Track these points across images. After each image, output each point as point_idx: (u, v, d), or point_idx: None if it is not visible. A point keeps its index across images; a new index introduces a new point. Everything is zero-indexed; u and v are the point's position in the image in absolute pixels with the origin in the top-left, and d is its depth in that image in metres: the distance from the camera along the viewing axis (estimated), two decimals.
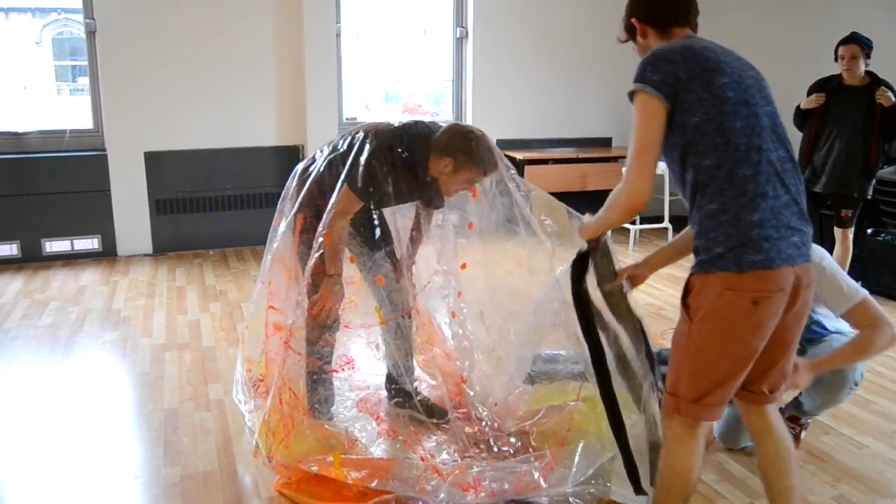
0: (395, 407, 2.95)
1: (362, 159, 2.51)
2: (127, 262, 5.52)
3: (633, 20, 2.16)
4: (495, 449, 2.69)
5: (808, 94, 4.65)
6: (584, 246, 2.32)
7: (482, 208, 2.81)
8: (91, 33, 5.40)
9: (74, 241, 5.55)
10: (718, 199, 1.84)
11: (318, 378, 2.72)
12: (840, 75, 4.54)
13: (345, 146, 2.62)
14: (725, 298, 1.82)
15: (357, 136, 2.63)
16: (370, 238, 2.68)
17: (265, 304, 2.65)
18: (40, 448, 2.79)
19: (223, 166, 5.81)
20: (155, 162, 5.63)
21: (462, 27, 6.42)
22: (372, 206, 2.61)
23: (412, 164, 2.60)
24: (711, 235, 1.84)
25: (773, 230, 1.82)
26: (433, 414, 2.91)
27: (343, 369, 2.82)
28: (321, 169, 2.64)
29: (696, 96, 1.87)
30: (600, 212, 2.15)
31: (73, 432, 2.91)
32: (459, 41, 6.47)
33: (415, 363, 3.02)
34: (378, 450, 2.70)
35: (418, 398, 2.92)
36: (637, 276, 2.48)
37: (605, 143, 7.02)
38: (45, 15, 6.67)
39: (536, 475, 2.43)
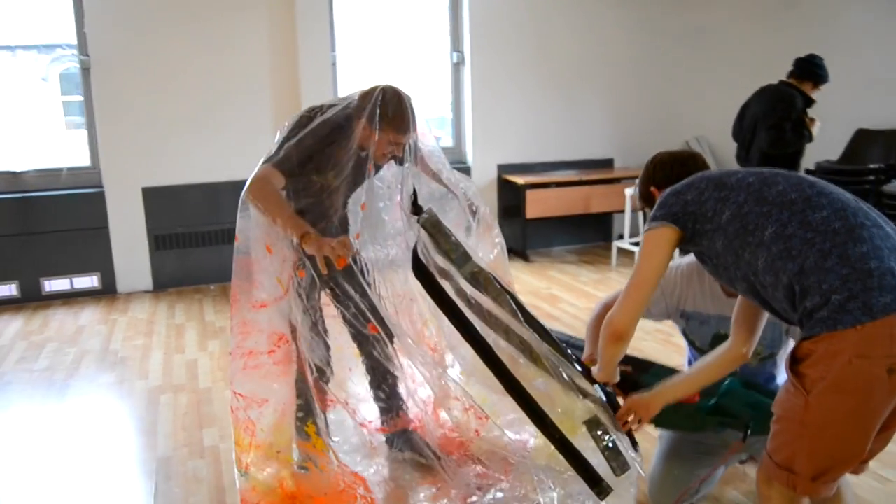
0: (395, 452, 2.85)
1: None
2: (127, 299, 5.46)
3: (651, 189, 2.15)
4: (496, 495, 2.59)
5: (785, 112, 4.72)
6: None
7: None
8: (86, 69, 5.38)
9: (74, 280, 5.50)
10: (811, 250, 1.65)
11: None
12: (800, 92, 4.76)
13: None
14: (855, 367, 1.58)
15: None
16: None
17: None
18: (27, 501, 2.71)
19: (222, 199, 5.75)
20: (153, 197, 5.58)
21: (459, 52, 6.37)
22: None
23: (327, 143, 2.49)
24: (824, 287, 1.62)
25: (893, 262, 1.61)
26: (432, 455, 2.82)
27: (279, 346, 2.56)
28: None
29: (714, 199, 1.83)
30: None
31: (63, 484, 2.83)
32: (456, 66, 6.42)
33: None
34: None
35: (414, 437, 2.84)
36: (641, 408, 2.15)
37: (608, 164, 6.94)
38: (50, 51, 6.68)
39: None
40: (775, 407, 1.78)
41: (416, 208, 2.40)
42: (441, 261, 2.26)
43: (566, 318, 4.75)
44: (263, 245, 2.47)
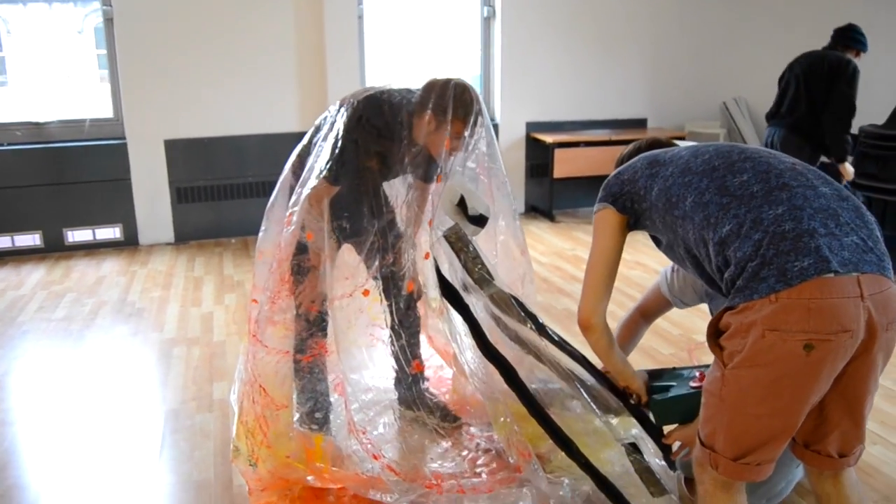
0: (404, 410, 2.78)
1: (332, 140, 2.33)
2: (148, 251, 5.45)
3: None
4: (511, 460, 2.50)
5: (841, 77, 4.58)
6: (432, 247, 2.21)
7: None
8: (109, 20, 5.30)
9: (96, 231, 5.50)
10: (726, 216, 1.56)
11: (300, 371, 2.50)
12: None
13: (326, 125, 2.43)
14: (768, 342, 1.45)
15: (331, 110, 2.44)
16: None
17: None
18: (29, 453, 2.70)
19: (244, 153, 5.69)
20: (175, 150, 5.53)
21: (489, 6, 6.17)
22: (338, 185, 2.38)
23: (390, 133, 2.38)
24: (739, 255, 1.51)
25: (816, 223, 1.47)
26: (444, 418, 2.75)
27: (315, 356, 2.52)
28: (309, 154, 2.44)
29: (646, 176, 1.81)
30: None
31: (71, 434, 2.81)
32: (486, 21, 6.22)
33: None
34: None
35: (427, 397, 2.76)
36: (689, 440, 2.03)
37: (641, 123, 6.73)
38: (86, 4, 6.63)
39: None
40: (704, 381, 1.69)
41: (473, 218, 2.30)
42: (464, 276, 2.20)
43: None
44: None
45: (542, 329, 2.22)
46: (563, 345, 2.26)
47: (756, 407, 1.52)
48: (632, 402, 2.15)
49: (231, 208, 5.74)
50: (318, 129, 2.47)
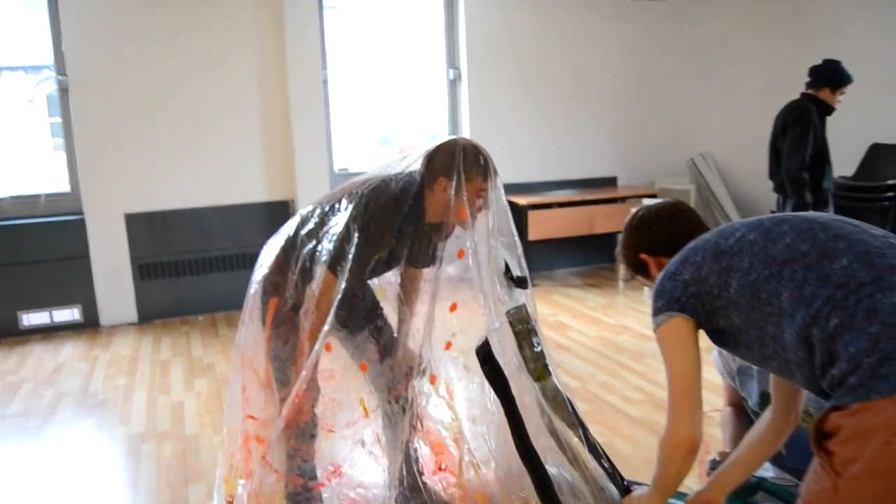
0: None
1: (339, 235, 2.17)
2: (110, 332, 5.16)
3: (641, 256, 1.93)
4: None
5: (789, 124, 4.58)
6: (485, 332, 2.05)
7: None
8: (64, 90, 5.11)
9: (53, 313, 5.19)
10: (835, 310, 1.39)
11: (304, 499, 2.28)
12: (820, 102, 4.56)
13: (316, 218, 2.27)
14: (894, 449, 1.29)
15: (322, 202, 2.30)
16: (352, 318, 2.26)
17: (241, 414, 2.26)
18: None
19: (209, 226, 5.48)
20: (136, 224, 5.30)
21: (455, 69, 6.14)
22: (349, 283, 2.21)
23: (400, 221, 2.23)
24: (851, 350, 1.34)
25: None
26: None
27: (330, 480, 2.36)
28: (296, 248, 2.28)
29: (716, 272, 1.58)
30: (655, 474, 1.77)
31: None
32: (453, 83, 6.18)
33: (416, 447, 2.62)
34: None
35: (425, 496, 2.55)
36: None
37: (611, 182, 6.71)
38: (37, 72, 6.47)
39: None
40: (802, 489, 1.49)
41: (518, 280, 2.24)
42: (519, 361, 2.05)
43: (576, 346, 4.48)
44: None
45: (587, 439, 2.03)
46: (602, 461, 2.07)
47: None
48: None
49: (196, 284, 5.49)
50: (304, 222, 2.30)
